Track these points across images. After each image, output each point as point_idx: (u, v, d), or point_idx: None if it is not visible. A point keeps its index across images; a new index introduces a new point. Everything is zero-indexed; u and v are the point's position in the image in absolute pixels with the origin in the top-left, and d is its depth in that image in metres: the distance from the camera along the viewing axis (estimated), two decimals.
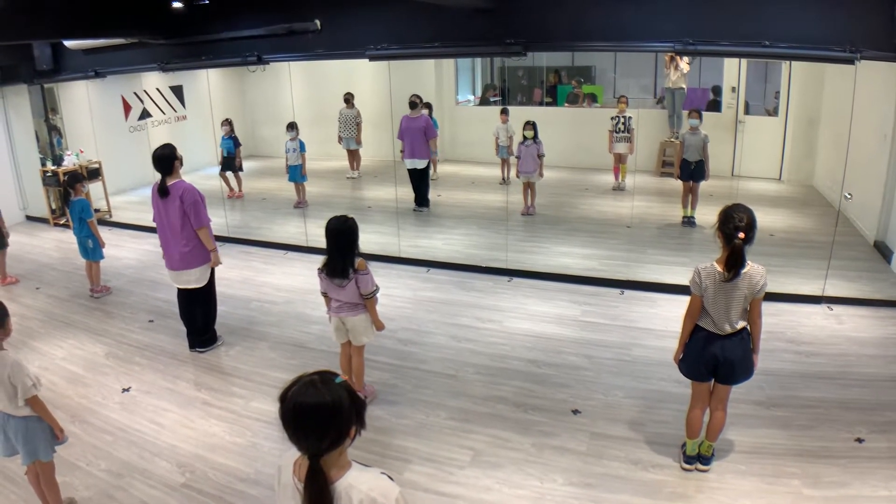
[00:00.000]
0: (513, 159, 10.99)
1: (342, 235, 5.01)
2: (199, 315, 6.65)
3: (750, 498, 4.29)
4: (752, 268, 4.12)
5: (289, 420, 2.16)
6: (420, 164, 10.76)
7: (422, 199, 11.05)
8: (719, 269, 4.14)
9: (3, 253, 8.66)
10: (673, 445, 4.80)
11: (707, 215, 9.74)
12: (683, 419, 4.65)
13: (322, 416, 2.13)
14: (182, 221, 6.18)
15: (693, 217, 9.84)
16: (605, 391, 5.66)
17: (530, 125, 10.31)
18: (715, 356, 4.30)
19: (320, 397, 2.14)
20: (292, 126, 11.09)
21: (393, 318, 7.18)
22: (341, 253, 5.02)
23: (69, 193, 7.97)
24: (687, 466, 4.62)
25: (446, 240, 9.67)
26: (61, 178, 11.03)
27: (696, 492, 4.38)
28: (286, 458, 2.37)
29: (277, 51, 8.47)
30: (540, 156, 10.34)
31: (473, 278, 8.27)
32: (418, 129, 10.66)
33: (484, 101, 15.93)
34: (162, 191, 6.17)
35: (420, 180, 10.93)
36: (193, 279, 6.40)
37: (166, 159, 6.12)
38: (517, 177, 10.57)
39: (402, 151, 10.95)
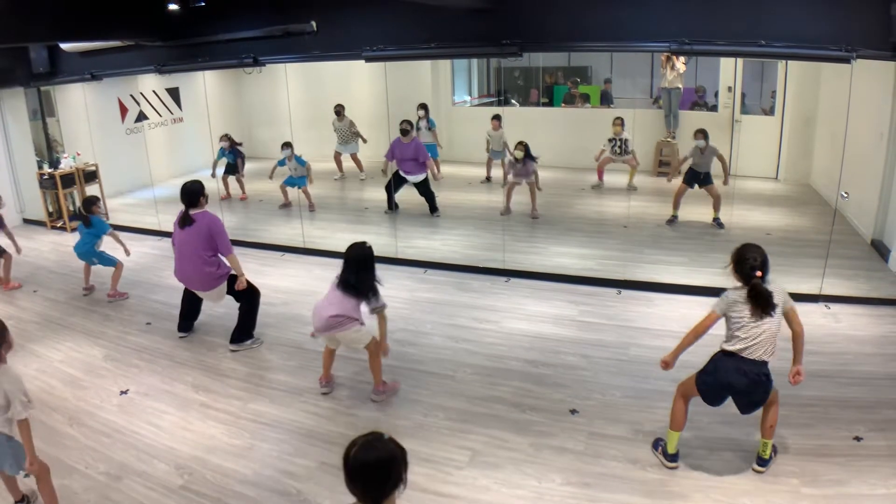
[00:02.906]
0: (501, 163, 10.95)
1: (364, 262, 5.45)
2: (243, 310, 6.81)
3: (749, 496, 4.29)
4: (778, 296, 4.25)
5: (357, 477, 2.55)
6: (418, 178, 10.70)
7: (432, 207, 10.96)
8: (751, 306, 4.22)
9: (6, 259, 8.67)
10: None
11: (704, 216, 9.77)
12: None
13: (384, 468, 2.55)
14: (206, 247, 6.48)
15: (718, 218, 9.73)
16: (602, 391, 5.66)
17: (521, 146, 10.16)
18: (733, 386, 4.35)
19: (379, 453, 2.56)
20: (287, 145, 11.08)
21: (390, 318, 7.11)
22: (362, 280, 5.41)
23: (86, 218, 8.01)
24: (671, 465, 4.62)
25: (443, 241, 9.67)
26: (59, 182, 11.04)
27: (694, 491, 4.38)
28: None
29: (274, 52, 8.47)
30: (533, 172, 10.24)
31: (471, 279, 8.27)
32: (410, 155, 10.59)
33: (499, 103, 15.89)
34: (184, 220, 6.53)
35: (424, 189, 10.84)
36: (215, 297, 6.79)
37: (193, 193, 6.54)
38: (513, 177, 10.51)
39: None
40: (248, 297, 6.79)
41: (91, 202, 8.18)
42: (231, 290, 6.75)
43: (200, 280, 6.63)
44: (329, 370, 5.86)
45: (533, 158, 10.27)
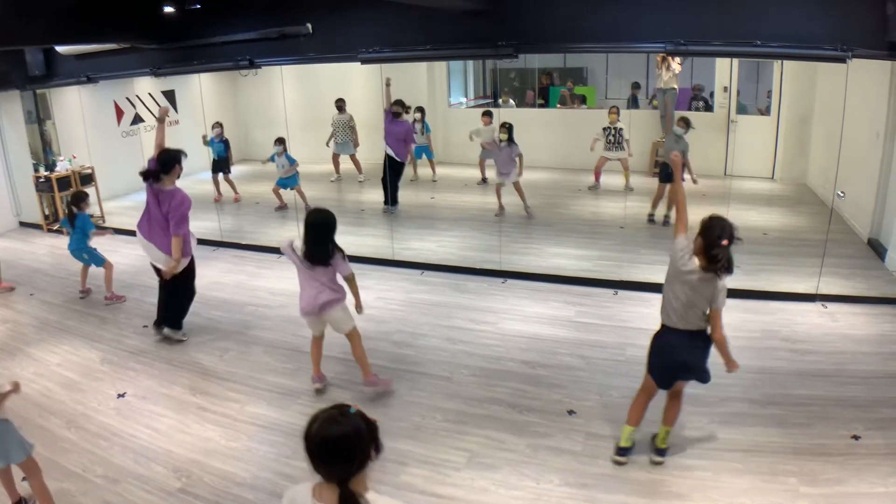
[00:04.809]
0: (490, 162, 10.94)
1: (322, 227, 5.35)
2: (175, 302, 6.88)
3: (747, 496, 4.30)
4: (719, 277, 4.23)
5: (318, 454, 2.36)
6: (397, 157, 10.75)
7: (391, 198, 10.99)
8: (697, 262, 4.25)
9: None
10: (670, 445, 4.79)
11: (700, 214, 9.74)
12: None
13: (347, 445, 2.35)
14: (166, 219, 6.45)
15: (653, 214, 9.89)
16: (599, 391, 5.66)
17: (505, 128, 10.15)
18: (676, 361, 4.46)
19: (342, 429, 2.35)
20: (280, 141, 11.07)
21: (387, 320, 7.18)
22: (322, 242, 5.34)
23: (72, 211, 8.01)
24: (618, 458, 4.71)
25: (440, 242, 9.66)
26: (55, 185, 11.02)
27: (692, 490, 4.38)
28: (299, 490, 2.51)
29: (269, 54, 8.47)
30: (517, 155, 10.21)
31: (467, 280, 8.27)
32: (399, 134, 10.66)
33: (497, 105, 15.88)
34: (148, 175, 6.47)
35: (394, 175, 10.88)
36: (163, 261, 6.65)
37: (168, 160, 6.47)
38: (497, 177, 10.52)
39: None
40: (184, 290, 6.89)
41: (80, 198, 8.18)
42: (178, 277, 6.75)
43: (163, 243, 6.55)
44: (319, 365, 5.88)
45: (515, 143, 10.23)
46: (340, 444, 2.33)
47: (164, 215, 6.42)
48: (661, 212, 9.92)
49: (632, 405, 4.77)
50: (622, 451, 4.71)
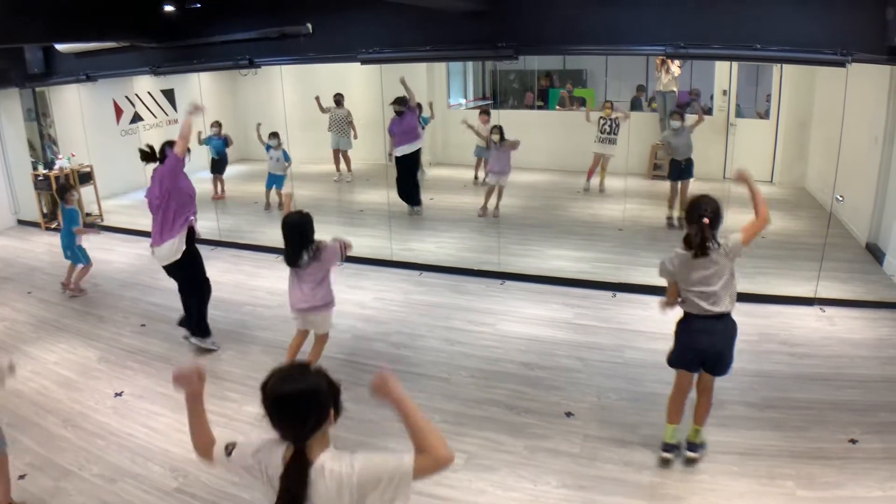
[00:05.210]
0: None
1: (296, 227, 5.44)
2: (193, 305, 6.70)
3: (744, 499, 4.30)
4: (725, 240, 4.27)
5: (273, 410, 2.34)
6: (412, 147, 10.71)
7: (414, 198, 10.98)
8: (684, 249, 4.27)
9: None
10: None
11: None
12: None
13: (302, 402, 2.32)
14: (160, 200, 6.37)
15: (671, 216, 9.86)
16: (597, 393, 5.66)
17: (497, 129, 10.22)
18: (703, 349, 4.40)
19: (298, 385, 2.32)
20: (275, 135, 11.08)
21: (385, 321, 7.18)
22: (298, 243, 5.43)
23: (60, 203, 8.08)
24: (663, 454, 4.68)
25: (438, 243, 9.66)
26: (53, 183, 11.01)
27: (689, 493, 4.38)
28: (272, 447, 2.45)
29: (269, 54, 8.47)
30: (512, 146, 10.22)
31: (466, 281, 8.27)
32: (409, 127, 10.67)
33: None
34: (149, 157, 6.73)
35: (413, 169, 10.87)
36: (164, 255, 6.49)
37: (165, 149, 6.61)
38: (485, 180, 10.50)
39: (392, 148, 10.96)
40: (197, 291, 6.73)
41: (65, 189, 8.29)
42: (185, 280, 6.66)
43: (161, 233, 6.47)
44: (294, 358, 5.84)
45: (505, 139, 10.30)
46: (294, 402, 2.31)
47: (163, 193, 6.34)
48: (675, 213, 9.90)
49: (668, 403, 4.76)
50: (668, 448, 4.69)
